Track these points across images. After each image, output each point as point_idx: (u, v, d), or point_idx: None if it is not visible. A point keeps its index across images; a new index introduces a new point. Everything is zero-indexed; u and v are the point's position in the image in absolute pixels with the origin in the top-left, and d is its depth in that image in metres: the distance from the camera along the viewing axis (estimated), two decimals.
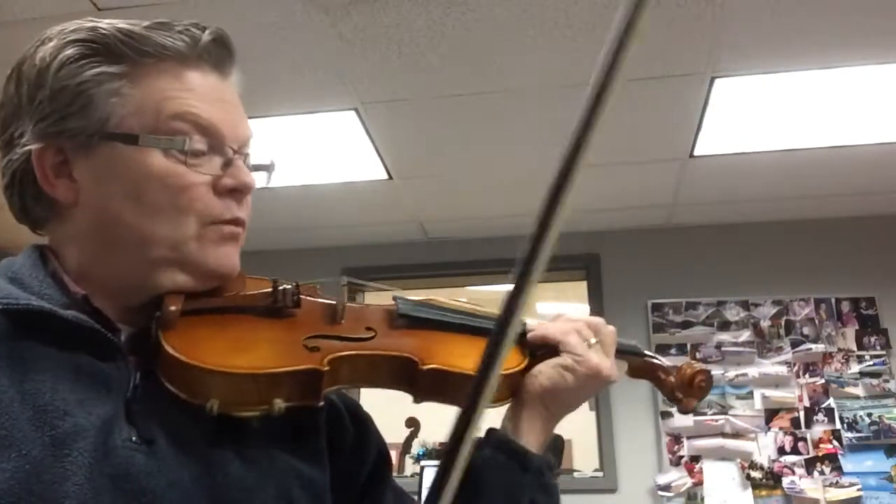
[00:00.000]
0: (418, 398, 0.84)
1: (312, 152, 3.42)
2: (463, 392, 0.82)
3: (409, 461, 4.31)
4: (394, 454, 4.32)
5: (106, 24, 0.77)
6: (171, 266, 0.76)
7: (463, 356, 0.84)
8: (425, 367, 0.81)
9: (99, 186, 0.75)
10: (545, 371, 0.90)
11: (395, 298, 0.90)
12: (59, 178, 0.76)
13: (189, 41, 0.78)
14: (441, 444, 4.15)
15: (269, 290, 0.81)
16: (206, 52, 0.79)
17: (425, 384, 0.81)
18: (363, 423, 0.92)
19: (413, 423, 4.25)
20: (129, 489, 0.66)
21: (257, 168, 0.85)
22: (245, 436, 0.75)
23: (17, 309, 0.68)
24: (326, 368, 0.75)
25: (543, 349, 0.91)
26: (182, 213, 0.75)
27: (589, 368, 0.88)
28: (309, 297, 0.85)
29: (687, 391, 1.00)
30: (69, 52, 0.75)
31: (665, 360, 1.05)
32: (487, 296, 4.14)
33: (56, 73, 0.75)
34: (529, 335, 0.92)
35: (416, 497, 1.02)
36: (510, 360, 0.88)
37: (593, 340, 0.91)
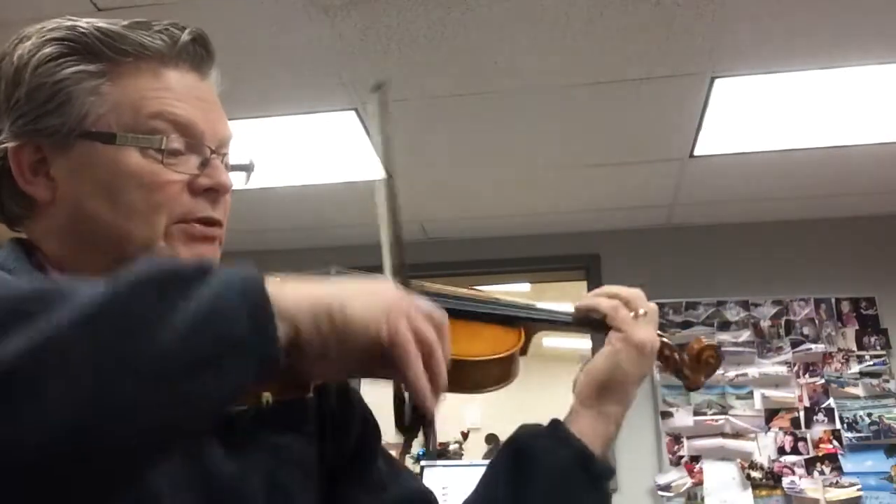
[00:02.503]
0: None
1: (312, 152, 3.42)
2: (473, 377, 0.84)
3: (409, 461, 4.30)
4: (393, 454, 4.34)
5: (84, 22, 0.77)
6: None
7: (469, 341, 0.84)
8: None
9: (76, 185, 0.75)
10: (598, 364, 0.92)
11: None
12: (37, 176, 0.76)
13: (168, 41, 0.78)
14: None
15: None
16: (185, 52, 0.79)
17: None
18: (345, 395, 0.92)
19: None
20: None
21: (236, 168, 0.85)
22: (230, 421, 0.73)
23: None
24: None
25: (589, 321, 0.94)
26: (155, 213, 0.74)
27: (638, 343, 0.91)
28: None
29: (695, 367, 1.00)
30: (47, 50, 0.75)
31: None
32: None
33: (34, 70, 0.75)
34: (577, 304, 0.95)
35: None
36: (507, 341, 0.89)
37: (642, 311, 0.93)
